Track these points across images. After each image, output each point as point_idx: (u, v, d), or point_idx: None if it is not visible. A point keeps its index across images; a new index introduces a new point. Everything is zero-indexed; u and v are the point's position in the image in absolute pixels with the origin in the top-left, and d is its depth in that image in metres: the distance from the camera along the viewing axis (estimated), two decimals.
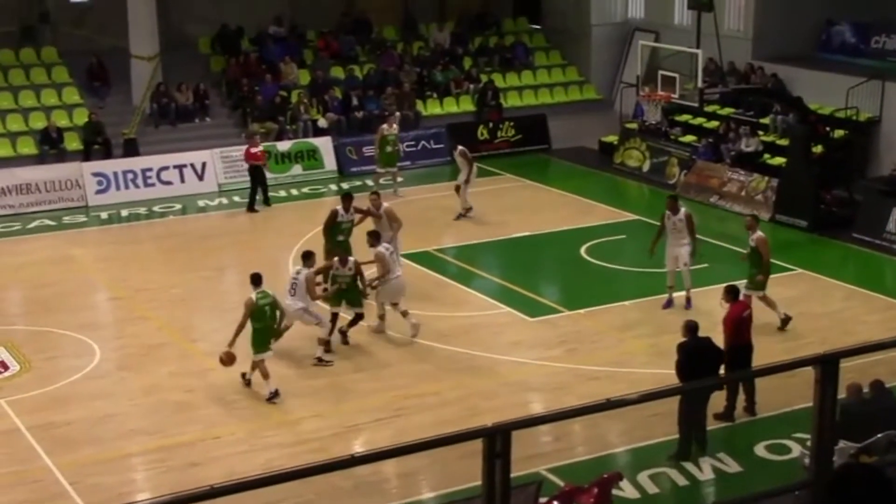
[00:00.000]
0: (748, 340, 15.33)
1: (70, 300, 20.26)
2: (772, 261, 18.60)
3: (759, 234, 18.38)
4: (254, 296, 16.14)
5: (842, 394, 11.82)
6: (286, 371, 16.99)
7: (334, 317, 17.70)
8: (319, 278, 18.08)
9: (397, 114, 28.47)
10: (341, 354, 17.53)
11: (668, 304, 19.36)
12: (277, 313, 16.44)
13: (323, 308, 17.69)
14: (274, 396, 16.04)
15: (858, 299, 20.02)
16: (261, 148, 26.23)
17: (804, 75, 28.13)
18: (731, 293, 15.80)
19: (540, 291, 20.58)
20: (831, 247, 23.10)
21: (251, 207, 25.74)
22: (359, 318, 17.93)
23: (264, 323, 16.20)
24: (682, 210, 19.34)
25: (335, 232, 19.51)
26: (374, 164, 27.01)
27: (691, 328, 14.72)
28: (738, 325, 15.35)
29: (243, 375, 16.42)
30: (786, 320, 18.32)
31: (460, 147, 25.19)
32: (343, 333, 17.82)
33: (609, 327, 18.79)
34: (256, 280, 16.38)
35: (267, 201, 26.09)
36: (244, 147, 26.90)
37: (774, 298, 18.45)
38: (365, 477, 13.31)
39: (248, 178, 26.48)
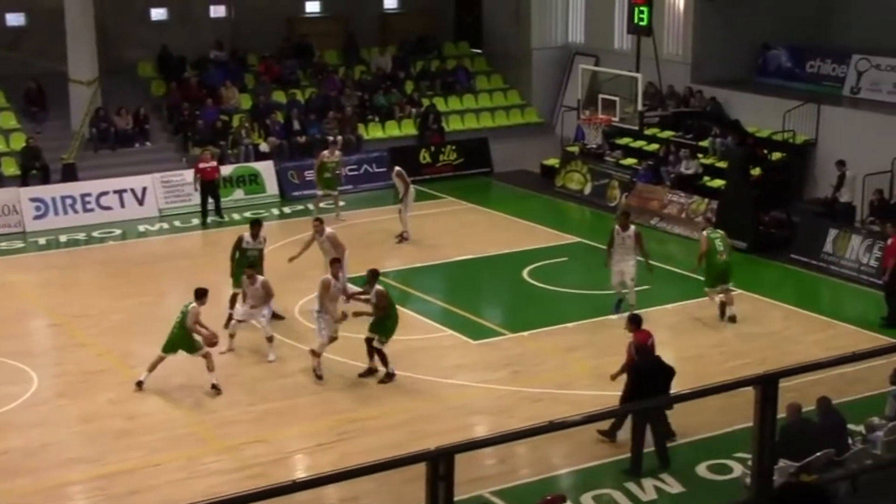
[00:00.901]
0: None
1: (7, 327, 19.94)
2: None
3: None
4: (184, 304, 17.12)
5: (781, 413, 11.89)
6: (228, 396, 16.85)
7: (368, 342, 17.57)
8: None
9: (339, 139, 28.42)
10: (282, 379, 17.41)
11: (618, 306, 19.64)
12: (185, 336, 16.84)
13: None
14: (139, 384, 16.95)
15: (797, 319, 20.26)
16: (213, 163, 26.34)
17: (742, 99, 28.51)
18: (634, 322, 15.91)
19: (483, 314, 20.60)
20: (770, 268, 23.36)
21: (205, 222, 26.31)
22: (369, 344, 17.67)
23: (171, 329, 16.98)
24: (632, 227, 19.67)
25: (241, 259, 19.32)
26: (315, 188, 26.98)
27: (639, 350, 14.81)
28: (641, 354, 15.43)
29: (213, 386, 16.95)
30: (732, 318, 19.52)
31: (397, 168, 25.19)
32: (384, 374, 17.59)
33: (552, 349, 18.84)
34: (196, 293, 17.05)
35: (219, 213, 26.49)
36: (185, 171, 26.84)
37: (714, 318, 19.34)
38: (307, 503, 13.17)
39: (190, 203, 26.55)
